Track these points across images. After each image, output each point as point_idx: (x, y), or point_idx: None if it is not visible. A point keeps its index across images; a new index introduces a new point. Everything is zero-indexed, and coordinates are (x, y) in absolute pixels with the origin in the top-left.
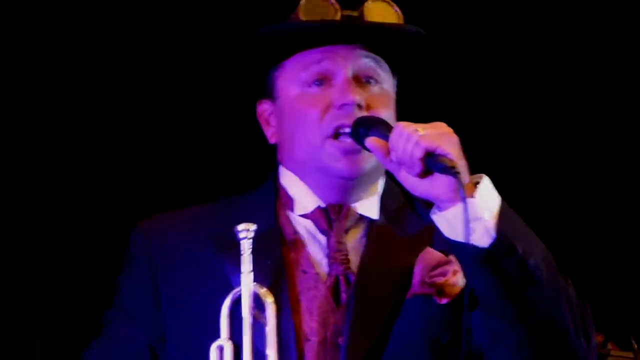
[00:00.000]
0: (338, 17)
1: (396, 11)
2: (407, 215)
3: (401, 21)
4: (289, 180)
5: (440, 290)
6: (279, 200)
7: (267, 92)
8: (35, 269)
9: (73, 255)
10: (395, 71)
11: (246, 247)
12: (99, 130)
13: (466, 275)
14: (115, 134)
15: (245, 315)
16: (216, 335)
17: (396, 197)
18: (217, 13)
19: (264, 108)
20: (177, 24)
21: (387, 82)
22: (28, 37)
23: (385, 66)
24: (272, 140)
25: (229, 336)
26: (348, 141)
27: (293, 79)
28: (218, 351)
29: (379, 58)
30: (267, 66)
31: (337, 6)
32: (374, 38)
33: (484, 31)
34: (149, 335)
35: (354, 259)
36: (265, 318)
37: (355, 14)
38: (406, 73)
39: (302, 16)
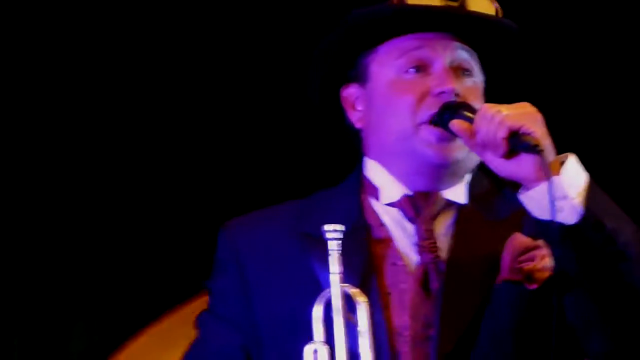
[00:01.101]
0: (439, 4)
1: (495, 6)
2: (495, 201)
3: (500, 16)
4: (374, 170)
5: (529, 275)
6: (364, 191)
7: (355, 76)
8: (12, 270)
9: (50, 255)
10: (483, 67)
11: (335, 247)
12: (179, 129)
13: (554, 255)
14: (194, 133)
15: (337, 317)
16: (308, 336)
17: (483, 183)
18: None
19: (350, 92)
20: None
21: (478, 77)
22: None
23: (477, 60)
24: (357, 125)
25: (322, 339)
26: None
27: (388, 64)
28: (312, 354)
29: (472, 51)
30: (357, 51)
31: None
32: (474, 30)
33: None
34: (242, 338)
35: (443, 247)
36: (356, 318)
37: (455, 4)
38: (494, 70)
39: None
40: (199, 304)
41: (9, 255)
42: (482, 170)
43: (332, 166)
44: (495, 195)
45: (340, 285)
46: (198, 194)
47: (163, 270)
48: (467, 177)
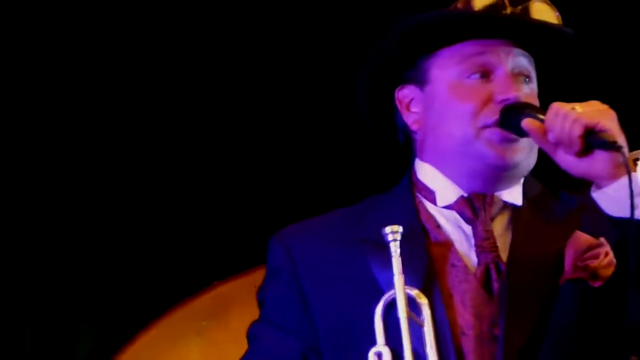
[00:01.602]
0: (506, 11)
1: (557, 15)
2: (550, 202)
3: (560, 23)
4: (427, 173)
5: (594, 273)
6: (417, 194)
7: (413, 78)
8: (24, 256)
9: (56, 254)
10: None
11: (395, 249)
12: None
13: (631, 251)
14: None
15: (402, 319)
16: (369, 340)
17: (536, 185)
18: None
19: (406, 94)
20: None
21: (535, 83)
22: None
23: (534, 66)
24: (413, 127)
25: (384, 342)
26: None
27: (449, 68)
28: (376, 357)
29: (531, 57)
30: (416, 54)
31: (507, 1)
32: (536, 37)
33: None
34: (301, 345)
35: (502, 247)
36: (421, 319)
37: (517, 11)
38: (548, 76)
39: (475, 6)
40: (204, 299)
41: (15, 255)
42: (532, 174)
43: (369, 170)
44: (550, 197)
45: (403, 287)
46: (201, 192)
47: (167, 268)
48: (522, 180)
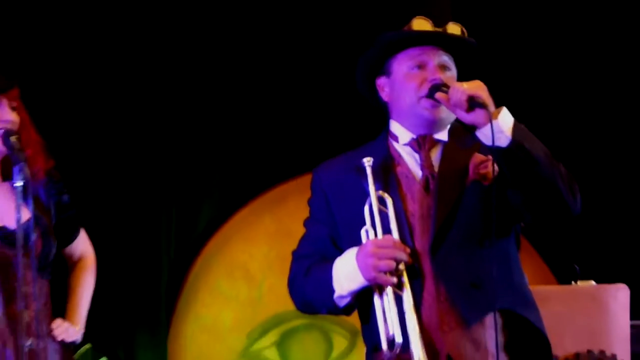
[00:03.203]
0: (431, 28)
1: (463, 31)
2: (464, 137)
3: (466, 35)
4: (394, 125)
5: (484, 176)
6: (390, 139)
7: (384, 72)
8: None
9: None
10: (457, 65)
11: (369, 170)
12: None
13: (498, 164)
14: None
15: (375, 209)
16: (363, 225)
17: (457, 128)
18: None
19: (382, 81)
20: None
21: (453, 71)
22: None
23: (453, 61)
24: (385, 99)
25: (370, 224)
26: (432, 101)
27: (402, 64)
28: (365, 233)
29: (450, 56)
30: (388, 56)
31: (432, 25)
32: (452, 44)
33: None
34: (329, 231)
35: (435, 165)
36: (386, 209)
37: (440, 30)
38: (462, 67)
39: (415, 27)
40: (273, 192)
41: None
42: (457, 121)
43: (367, 127)
44: (464, 135)
45: (376, 192)
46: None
47: (253, 171)
48: (448, 126)
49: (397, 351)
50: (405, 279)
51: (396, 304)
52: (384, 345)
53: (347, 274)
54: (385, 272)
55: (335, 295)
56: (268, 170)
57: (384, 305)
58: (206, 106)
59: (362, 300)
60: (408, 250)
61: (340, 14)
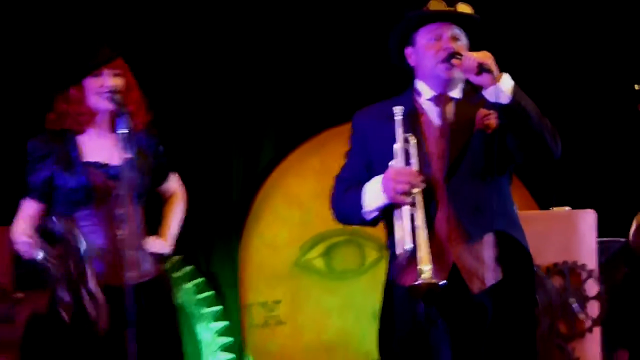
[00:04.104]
0: (445, 8)
1: (472, 9)
2: (473, 95)
3: (473, 13)
4: (420, 84)
5: (487, 126)
6: (414, 94)
7: (410, 43)
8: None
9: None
10: (469, 38)
11: (399, 117)
12: None
13: (499, 117)
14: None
15: (400, 147)
16: (392, 158)
17: (467, 87)
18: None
19: (409, 50)
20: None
21: (464, 41)
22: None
23: (464, 33)
24: (411, 64)
25: (397, 158)
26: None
27: (423, 37)
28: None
29: (461, 29)
30: (412, 31)
31: (445, 5)
32: (461, 20)
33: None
34: (364, 161)
35: (450, 116)
36: (410, 147)
37: (452, 9)
38: (472, 38)
39: (431, 7)
40: (319, 137)
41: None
42: (467, 82)
43: (394, 83)
44: (473, 93)
45: (403, 134)
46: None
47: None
48: (460, 86)
49: (408, 255)
50: (418, 199)
51: (411, 220)
52: (398, 250)
53: (373, 193)
54: (401, 193)
55: (364, 209)
56: (315, 119)
57: (400, 219)
58: (271, 69)
59: (387, 218)
60: (422, 178)
61: None
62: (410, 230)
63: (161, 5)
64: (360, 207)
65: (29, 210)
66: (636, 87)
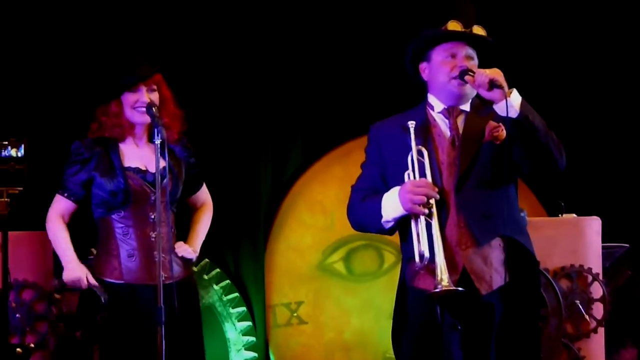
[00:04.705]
0: (461, 29)
1: (485, 32)
2: (482, 108)
3: (486, 35)
4: (432, 98)
5: (496, 137)
6: (427, 107)
7: (426, 59)
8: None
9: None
10: (478, 57)
11: (412, 130)
12: None
13: (507, 130)
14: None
15: (415, 159)
16: (406, 168)
17: (476, 101)
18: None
19: (424, 66)
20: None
21: (476, 60)
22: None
23: (476, 53)
24: (425, 79)
25: (411, 169)
26: (460, 81)
27: (440, 54)
28: (407, 176)
29: (474, 49)
30: (428, 48)
31: (462, 27)
32: (475, 42)
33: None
34: (380, 171)
35: (460, 128)
36: (423, 159)
37: (468, 30)
38: (483, 58)
39: (449, 27)
40: (342, 148)
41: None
42: (477, 96)
43: (411, 97)
44: (482, 107)
45: (417, 147)
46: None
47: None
48: (470, 100)
49: (426, 263)
50: (434, 210)
51: (427, 229)
52: (417, 259)
53: (391, 204)
54: (419, 205)
55: (383, 219)
56: (339, 130)
57: (418, 230)
58: (299, 83)
59: (402, 225)
60: (437, 190)
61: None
62: (426, 240)
63: (193, 17)
64: (378, 217)
65: (62, 208)
66: None
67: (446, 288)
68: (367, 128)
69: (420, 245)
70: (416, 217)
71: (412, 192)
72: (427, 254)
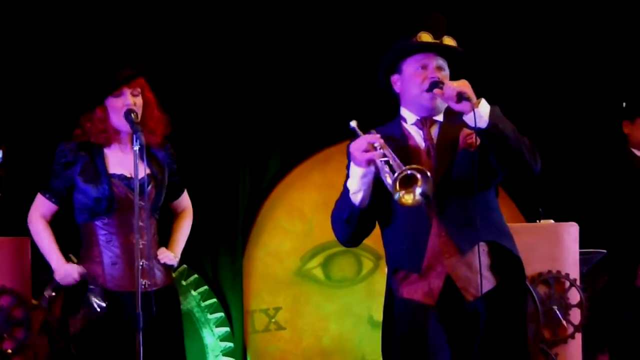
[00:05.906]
0: (432, 40)
1: (456, 43)
2: (455, 116)
3: (457, 46)
4: (404, 111)
5: (470, 145)
6: (401, 120)
7: (397, 71)
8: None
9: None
10: (450, 67)
11: (384, 143)
12: None
13: (479, 138)
14: None
15: (377, 162)
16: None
17: (450, 111)
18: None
19: (395, 78)
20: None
21: (447, 71)
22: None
23: (446, 64)
24: (397, 91)
25: (382, 171)
26: (431, 94)
27: (411, 66)
28: (386, 178)
29: (444, 60)
30: (399, 60)
31: (432, 37)
32: (446, 52)
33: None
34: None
35: (434, 138)
36: (402, 167)
37: (439, 41)
38: (455, 68)
39: (420, 39)
40: (320, 154)
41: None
42: (448, 109)
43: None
44: (455, 116)
45: (390, 154)
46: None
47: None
48: (442, 110)
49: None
50: (387, 151)
51: (388, 164)
52: (396, 187)
53: (350, 175)
54: (366, 151)
55: (350, 193)
56: (317, 137)
57: (384, 169)
58: (277, 90)
59: (385, 234)
60: (379, 135)
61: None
62: (399, 164)
63: (173, 25)
64: (347, 193)
65: (44, 209)
66: (624, 105)
67: (414, 167)
68: (346, 134)
69: (393, 169)
70: (373, 163)
71: (354, 147)
72: (405, 169)
